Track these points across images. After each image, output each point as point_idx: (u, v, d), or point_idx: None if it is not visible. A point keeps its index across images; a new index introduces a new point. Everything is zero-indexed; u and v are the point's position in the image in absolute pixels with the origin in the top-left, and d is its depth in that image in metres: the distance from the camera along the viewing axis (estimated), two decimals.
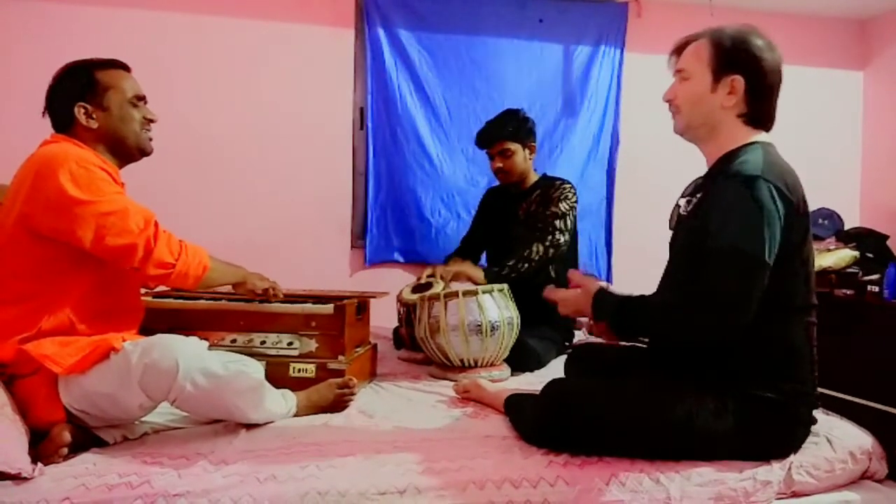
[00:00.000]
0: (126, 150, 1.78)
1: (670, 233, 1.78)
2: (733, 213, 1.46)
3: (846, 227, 3.56)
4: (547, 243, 2.62)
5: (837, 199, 3.76)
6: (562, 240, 2.65)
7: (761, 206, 1.43)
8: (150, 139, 1.82)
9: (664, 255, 1.77)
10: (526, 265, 2.57)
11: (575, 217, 2.76)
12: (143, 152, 1.81)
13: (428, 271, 2.61)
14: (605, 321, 1.64)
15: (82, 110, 1.70)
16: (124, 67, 1.81)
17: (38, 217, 1.59)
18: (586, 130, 3.72)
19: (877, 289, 2.91)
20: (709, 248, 1.46)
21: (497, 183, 3.08)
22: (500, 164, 2.80)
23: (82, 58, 1.79)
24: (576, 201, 2.75)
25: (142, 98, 1.81)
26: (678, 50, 1.68)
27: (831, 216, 3.64)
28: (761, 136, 1.60)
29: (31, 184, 1.59)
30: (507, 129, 2.78)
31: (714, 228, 1.47)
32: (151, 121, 1.81)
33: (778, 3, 3.83)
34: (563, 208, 2.68)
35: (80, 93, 1.71)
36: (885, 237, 3.26)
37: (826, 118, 4.07)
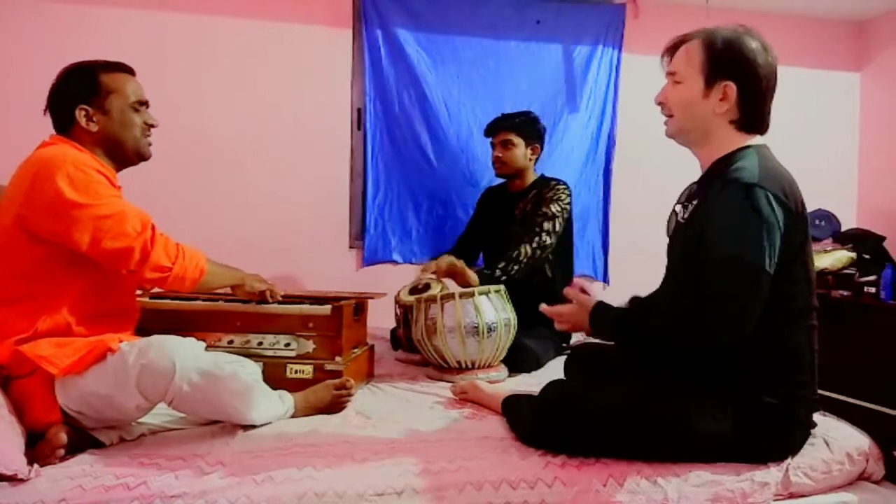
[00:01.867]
0: (124, 155, 1.77)
1: (667, 237, 1.78)
2: (732, 223, 1.45)
3: (843, 229, 3.57)
4: (534, 245, 2.62)
5: (834, 201, 3.77)
6: (548, 241, 2.65)
7: (760, 214, 1.42)
8: (150, 144, 1.82)
9: (661, 257, 1.76)
10: (515, 266, 2.58)
11: (567, 219, 2.76)
12: (141, 157, 1.81)
13: (425, 272, 2.61)
14: (605, 335, 1.63)
15: (83, 113, 1.70)
16: (129, 71, 1.80)
17: (35, 219, 1.58)
18: (584, 132, 3.72)
19: (874, 290, 2.92)
20: (708, 258, 1.45)
21: (494, 182, 3.09)
22: (498, 154, 2.84)
23: (83, 58, 1.78)
24: (569, 203, 2.75)
25: (144, 103, 1.80)
26: (671, 50, 1.66)
27: (828, 217, 3.65)
28: (755, 140, 1.59)
29: (29, 186, 1.59)
30: (515, 121, 2.84)
31: (713, 238, 1.46)
32: (152, 126, 1.81)
33: (775, 4, 3.83)
34: (553, 210, 2.69)
35: (82, 95, 1.71)
36: (882, 238, 3.27)
37: (823, 120, 4.07)
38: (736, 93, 1.54)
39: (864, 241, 3.24)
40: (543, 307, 1.74)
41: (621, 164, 3.78)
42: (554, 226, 2.67)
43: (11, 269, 1.61)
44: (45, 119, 1.76)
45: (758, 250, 1.41)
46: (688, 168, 1.73)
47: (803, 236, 1.53)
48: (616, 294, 1.70)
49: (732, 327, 1.43)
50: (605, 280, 3.77)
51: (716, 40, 1.56)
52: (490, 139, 2.91)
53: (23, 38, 3.08)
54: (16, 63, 3.06)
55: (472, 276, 2.52)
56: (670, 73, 1.63)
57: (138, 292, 1.98)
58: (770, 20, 3.87)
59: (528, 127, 2.84)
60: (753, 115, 1.58)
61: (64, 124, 1.73)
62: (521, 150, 2.83)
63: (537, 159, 2.92)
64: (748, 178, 1.46)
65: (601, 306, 1.62)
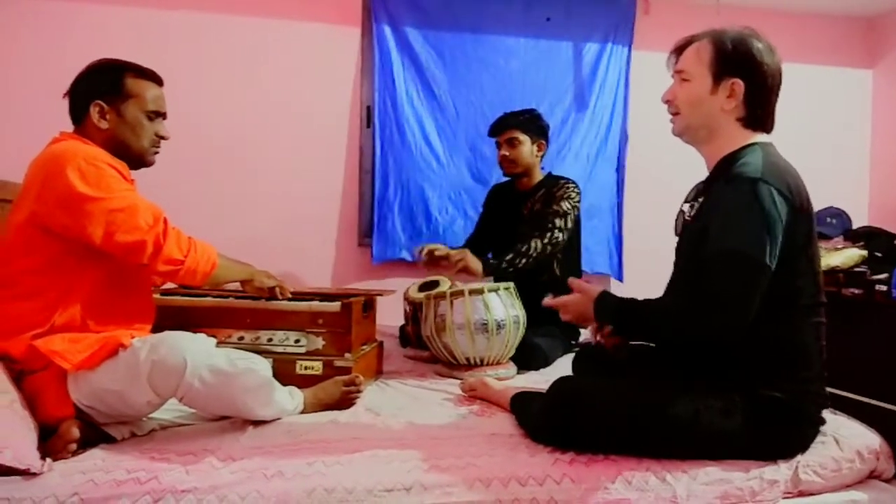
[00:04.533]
0: (127, 158, 1.77)
1: (675, 236, 1.78)
2: (734, 217, 1.46)
3: (854, 226, 3.54)
4: (545, 240, 2.62)
5: (846, 198, 3.74)
6: (560, 238, 2.66)
7: (762, 209, 1.43)
8: (156, 153, 1.83)
9: (674, 254, 1.76)
10: (523, 260, 2.58)
11: (577, 216, 2.77)
12: (142, 164, 1.81)
13: (433, 246, 2.60)
14: (608, 323, 1.64)
15: (97, 109, 1.71)
16: (158, 81, 1.81)
17: (48, 214, 1.60)
18: (595, 129, 3.71)
19: (885, 288, 2.90)
20: (710, 251, 1.47)
21: (503, 179, 3.08)
22: (505, 153, 2.84)
23: (88, 57, 1.79)
24: (578, 201, 2.76)
25: (161, 114, 1.81)
26: (678, 50, 1.68)
27: (839, 215, 3.62)
28: (761, 137, 1.60)
29: (42, 182, 1.60)
30: (519, 119, 2.84)
31: (715, 232, 1.48)
32: (163, 138, 1.82)
33: (786, 1, 3.81)
34: (564, 207, 2.69)
35: (101, 91, 1.72)
36: (894, 236, 3.24)
37: (835, 117, 4.05)
38: (743, 90, 1.56)
39: (875, 239, 3.21)
40: (547, 300, 1.74)
41: (632, 160, 3.77)
42: (566, 222, 2.68)
43: (27, 264, 1.62)
44: (51, 117, 1.77)
45: (758, 244, 1.42)
46: (700, 164, 1.73)
47: (808, 232, 1.53)
48: (631, 292, 1.69)
49: (729, 320, 1.44)
50: (620, 277, 3.76)
51: (724, 39, 1.58)
52: (495, 139, 2.90)
53: (26, 36, 3.10)
54: (19, 61, 3.08)
55: (476, 265, 2.52)
56: (678, 72, 1.65)
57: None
58: (781, 17, 3.85)
59: (532, 124, 2.84)
60: (759, 113, 1.59)
61: (77, 116, 1.75)
62: (527, 148, 2.83)
63: (543, 156, 2.92)
64: (752, 173, 1.47)
65: (606, 295, 1.63)
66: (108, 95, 1.72)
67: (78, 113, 1.75)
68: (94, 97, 1.72)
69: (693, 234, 1.60)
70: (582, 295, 1.66)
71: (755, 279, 1.43)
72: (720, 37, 1.59)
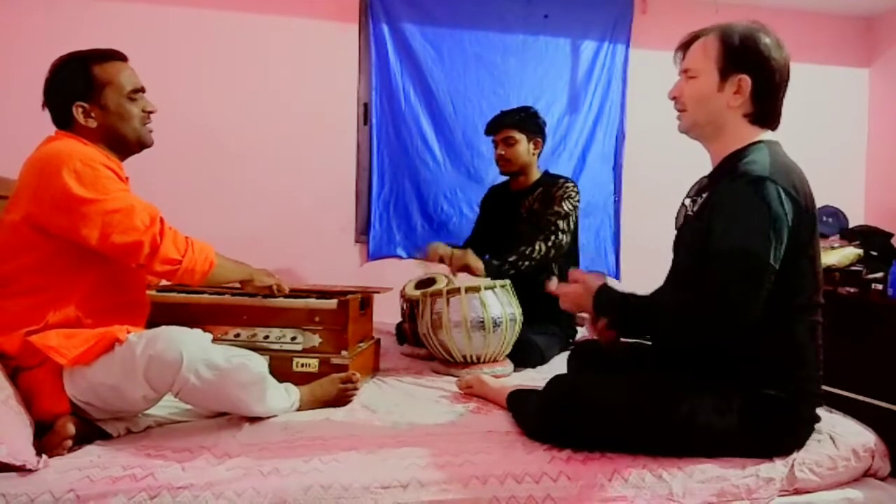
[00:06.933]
0: (126, 146, 1.77)
1: (675, 231, 1.78)
2: (740, 215, 1.45)
3: (850, 225, 3.56)
4: (549, 243, 2.62)
5: (842, 197, 3.75)
6: (564, 240, 2.66)
7: (769, 208, 1.43)
8: (150, 131, 1.80)
9: (671, 252, 1.76)
10: (526, 262, 2.58)
11: (577, 216, 2.77)
12: (143, 146, 1.80)
13: (435, 246, 2.62)
14: (607, 317, 1.64)
15: (80, 110, 1.69)
16: (121, 58, 1.77)
17: (44, 215, 1.59)
18: (592, 127, 3.72)
19: (881, 287, 2.90)
20: (715, 249, 1.46)
21: (499, 178, 3.08)
22: (502, 152, 2.84)
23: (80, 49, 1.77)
24: (578, 200, 2.76)
25: (140, 90, 1.78)
26: (685, 46, 1.66)
27: (836, 214, 3.63)
28: (767, 135, 1.59)
29: (38, 182, 1.59)
30: (515, 118, 2.83)
31: (720, 229, 1.47)
32: (151, 112, 1.80)
33: None
34: (566, 208, 2.69)
35: (77, 91, 1.69)
36: (890, 235, 3.25)
37: (831, 115, 4.06)
38: (750, 86, 1.54)
39: (871, 238, 3.22)
40: (548, 285, 1.74)
41: (630, 159, 3.78)
42: (568, 224, 2.68)
43: (22, 263, 1.61)
44: (48, 113, 1.75)
45: (764, 244, 1.42)
46: (698, 162, 1.73)
47: (811, 232, 1.53)
48: (628, 290, 1.69)
49: (732, 319, 1.43)
50: (617, 276, 3.77)
51: (732, 35, 1.56)
52: (492, 137, 2.90)
53: (26, 31, 3.09)
54: (19, 56, 3.07)
55: (478, 264, 2.52)
56: (685, 70, 1.63)
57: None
58: (778, 15, 3.85)
59: (529, 122, 2.84)
60: (766, 110, 1.58)
61: (63, 121, 1.72)
62: (523, 146, 2.82)
63: (540, 154, 2.91)
64: (759, 172, 1.46)
65: (605, 288, 1.62)
66: (84, 93, 1.69)
67: (62, 119, 1.72)
68: (72, 100, 1.69)
69: (695, 230, 1.59)
70: (582, 286, 1.66)
71: (759, 279, 1.42)
72: (727, 32, 1.57)
